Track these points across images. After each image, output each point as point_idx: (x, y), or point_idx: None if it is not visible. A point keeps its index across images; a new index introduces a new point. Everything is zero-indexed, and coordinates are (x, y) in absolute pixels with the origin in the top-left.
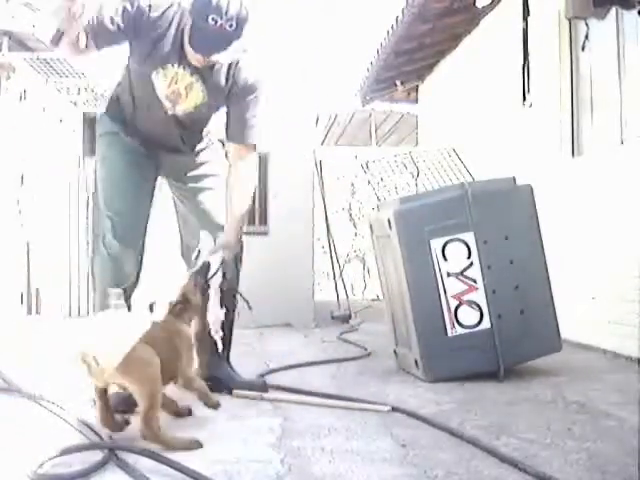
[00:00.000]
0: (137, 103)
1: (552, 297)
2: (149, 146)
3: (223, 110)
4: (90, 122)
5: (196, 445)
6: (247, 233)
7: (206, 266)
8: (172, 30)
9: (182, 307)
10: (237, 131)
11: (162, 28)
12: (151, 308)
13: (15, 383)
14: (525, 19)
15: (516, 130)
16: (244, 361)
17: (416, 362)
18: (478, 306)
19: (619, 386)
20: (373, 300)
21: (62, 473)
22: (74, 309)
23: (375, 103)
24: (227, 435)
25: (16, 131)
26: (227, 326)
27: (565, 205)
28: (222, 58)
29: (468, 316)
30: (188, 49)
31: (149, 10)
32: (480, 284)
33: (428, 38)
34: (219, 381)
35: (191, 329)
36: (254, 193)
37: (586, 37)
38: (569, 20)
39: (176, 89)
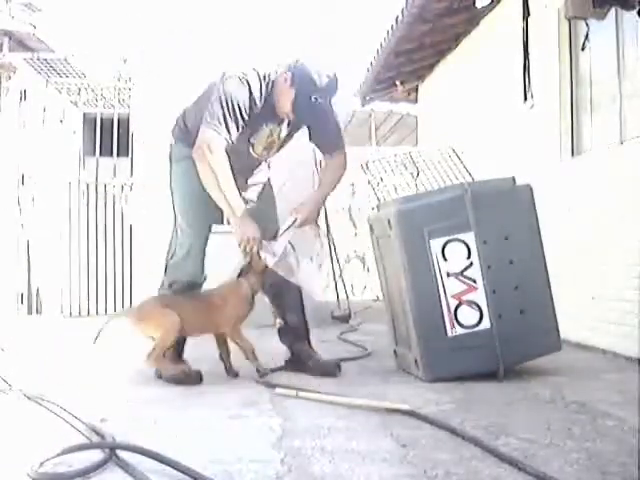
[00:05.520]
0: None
1: (552, 297)
2: None
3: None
4: (90, 122)
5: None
6: None
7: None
8: (262, 100)
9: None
10: (324, 143)
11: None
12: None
13: (15, 383)
14: (525, 19)
15: (516, 130)
16: (244, 361)
17: (416, 362)
18: (478, 306)
19: (619, 386)
20: (373, 300)
21: (62, 472)
22: (74, 309)
23: (375, 103)
24: (227, 435)
25: (16, 131)
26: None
27: (565, 205)
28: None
29: (468, 316)
30: (281, 111)
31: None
32: (480, 284)
33: (428, 38)
34: (298, 357)
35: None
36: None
37: (586, 37)
38: (569, 20)
39: (272, 140)
